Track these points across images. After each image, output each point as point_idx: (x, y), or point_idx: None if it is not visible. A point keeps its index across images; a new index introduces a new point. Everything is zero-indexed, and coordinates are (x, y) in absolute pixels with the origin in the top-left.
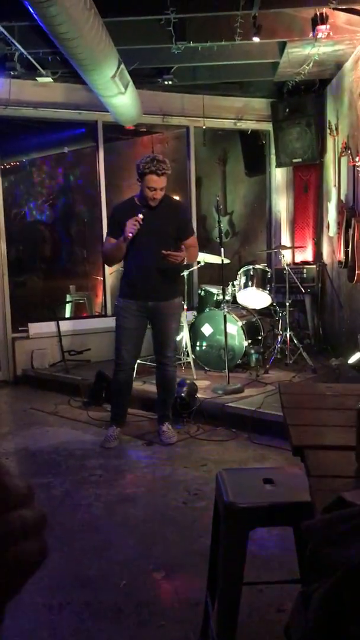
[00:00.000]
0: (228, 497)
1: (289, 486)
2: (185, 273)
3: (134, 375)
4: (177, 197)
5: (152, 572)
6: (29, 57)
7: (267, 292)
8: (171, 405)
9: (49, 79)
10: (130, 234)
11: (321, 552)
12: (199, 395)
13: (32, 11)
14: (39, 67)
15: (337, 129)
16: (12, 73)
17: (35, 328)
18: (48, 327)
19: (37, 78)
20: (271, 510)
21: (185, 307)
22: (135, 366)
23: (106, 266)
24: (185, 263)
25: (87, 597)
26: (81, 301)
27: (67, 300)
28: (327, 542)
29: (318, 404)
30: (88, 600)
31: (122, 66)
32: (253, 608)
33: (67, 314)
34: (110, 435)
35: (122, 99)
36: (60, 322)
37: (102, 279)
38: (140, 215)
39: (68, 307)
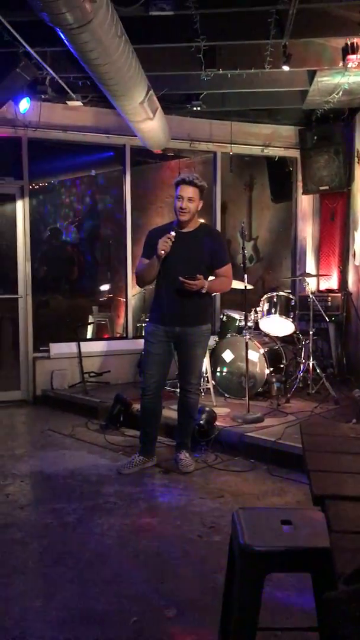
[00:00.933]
0: (244, 539)
1: (307, 529)
2: None
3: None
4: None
5: (163, 609)
6: (60, 81)
7: (291, 319)
8: (190, 433)
9: (79, 103)
10: (163, 252)
11: (343, 627)
12: (217, 423)
13: (63, 37)
14: (69, 91)
15: None
16: (43, 96)
17: (56, 348)
18: (69, 347)
19: (67, 102)
20: (288, 555)
21: None
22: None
23: (129, 288)
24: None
25: (94, 632)
26: (103, 322)
27: (89, 321)
28: (348, 618)
29: (341, 447)
30: (96, 637)
31: (152, 92)
32: None
33: (89, 335)
34: (129, 462)
35: (150, 124)
36: (81, 343)
37: (124, 300)
38: (172, 233)
39: (90, 328)
